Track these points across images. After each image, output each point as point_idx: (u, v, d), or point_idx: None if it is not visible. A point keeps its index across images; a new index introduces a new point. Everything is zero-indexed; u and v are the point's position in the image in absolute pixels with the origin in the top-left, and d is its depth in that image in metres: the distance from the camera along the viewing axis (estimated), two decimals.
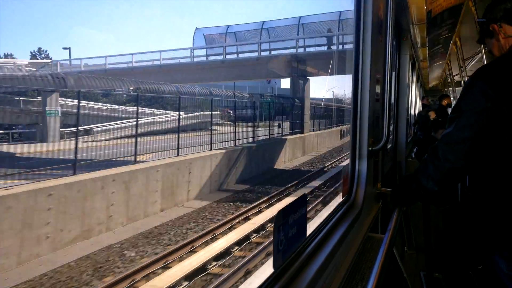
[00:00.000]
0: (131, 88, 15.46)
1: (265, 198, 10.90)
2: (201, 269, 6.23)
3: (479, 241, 1.48)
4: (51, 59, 39.90)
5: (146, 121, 18.29)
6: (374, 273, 1.15)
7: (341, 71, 19.90)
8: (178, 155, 11.91)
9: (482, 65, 1.43)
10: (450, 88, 9.29)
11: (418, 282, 2.39)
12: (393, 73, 3.57)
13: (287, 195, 11.65)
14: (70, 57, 36.47)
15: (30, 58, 45.37)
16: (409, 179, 1.56)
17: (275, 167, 16.93)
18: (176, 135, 12.25)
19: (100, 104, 24.60)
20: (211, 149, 13.42)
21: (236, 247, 7.29)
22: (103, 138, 16.51)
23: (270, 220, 8.63)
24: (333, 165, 18.22)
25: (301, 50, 22.35)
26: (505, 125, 1.24)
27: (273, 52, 23.34)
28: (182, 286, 5.76)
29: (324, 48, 22.18)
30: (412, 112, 6.94)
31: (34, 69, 27.95)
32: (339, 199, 1.75)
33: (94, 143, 13.87)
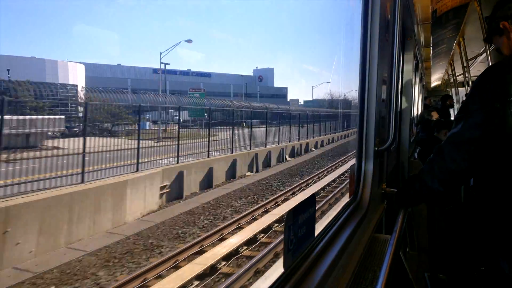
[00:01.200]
0: None
1: None
2: None
3: (482, 242, 1.48)
4: None
5: None
6: (382, 274, 1.15)
7: None
8: None
9: (492, 64, 1.41)
10: (453, 89, 9.27)
11: (422, 283, 2.39)
12: (398, 73, 3.56)
13: None
14: None
15: None
16: (414, 180, 1.55)
17: None
18: None
19: None
20: None
21: None
22: None
23: None
24: None
25: None
26: None
27: None
28: None
29: None
30: (415, 112, 6.92)
31: None
32: None
33: None
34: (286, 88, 77.65)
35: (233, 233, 7.91)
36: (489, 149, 1.27)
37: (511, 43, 1.41)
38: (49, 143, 10.57)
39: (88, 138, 9.42)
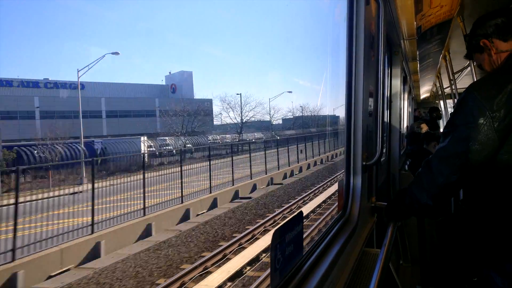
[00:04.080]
0: None
1: None
2: None
3: (473, 254, 1.49)
4: None
5: None
6: None
7: None
8: None
9: (476, 80, 1.45)
10: (441, 101, 9.44)
11: None
12: (386, 87, 3.63)
13: None
14: None
15: None
16: (404, 193, 1.56)
17: None
18: None
19: None
20: None
21: None
22: None
23: None
24: None
25: None
26: (498, 139, 1.26)
27: None
28: None
29: None
30: (405, 125, 7.01)
31: None
32: None
33: None
34: (210, 101, 50.27)
35: None
36: (475, 163, 1.29)
37: (492, 60, 1.46)
38: None
39: None
